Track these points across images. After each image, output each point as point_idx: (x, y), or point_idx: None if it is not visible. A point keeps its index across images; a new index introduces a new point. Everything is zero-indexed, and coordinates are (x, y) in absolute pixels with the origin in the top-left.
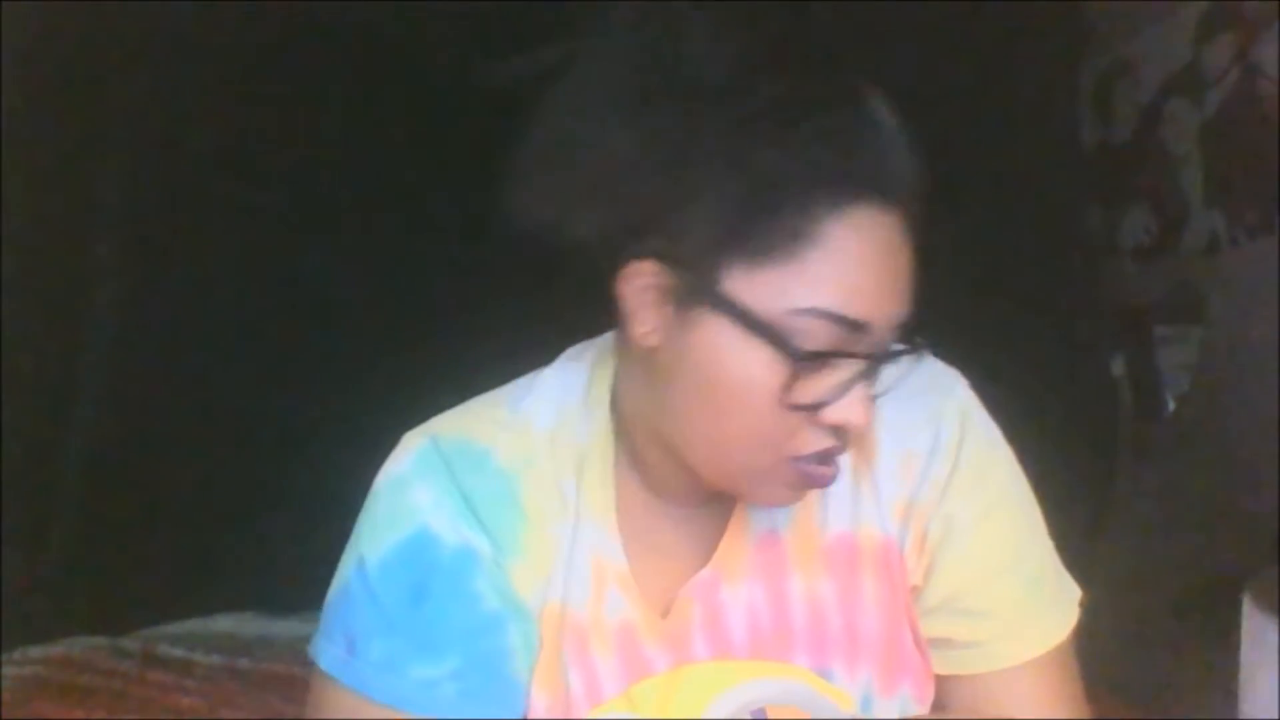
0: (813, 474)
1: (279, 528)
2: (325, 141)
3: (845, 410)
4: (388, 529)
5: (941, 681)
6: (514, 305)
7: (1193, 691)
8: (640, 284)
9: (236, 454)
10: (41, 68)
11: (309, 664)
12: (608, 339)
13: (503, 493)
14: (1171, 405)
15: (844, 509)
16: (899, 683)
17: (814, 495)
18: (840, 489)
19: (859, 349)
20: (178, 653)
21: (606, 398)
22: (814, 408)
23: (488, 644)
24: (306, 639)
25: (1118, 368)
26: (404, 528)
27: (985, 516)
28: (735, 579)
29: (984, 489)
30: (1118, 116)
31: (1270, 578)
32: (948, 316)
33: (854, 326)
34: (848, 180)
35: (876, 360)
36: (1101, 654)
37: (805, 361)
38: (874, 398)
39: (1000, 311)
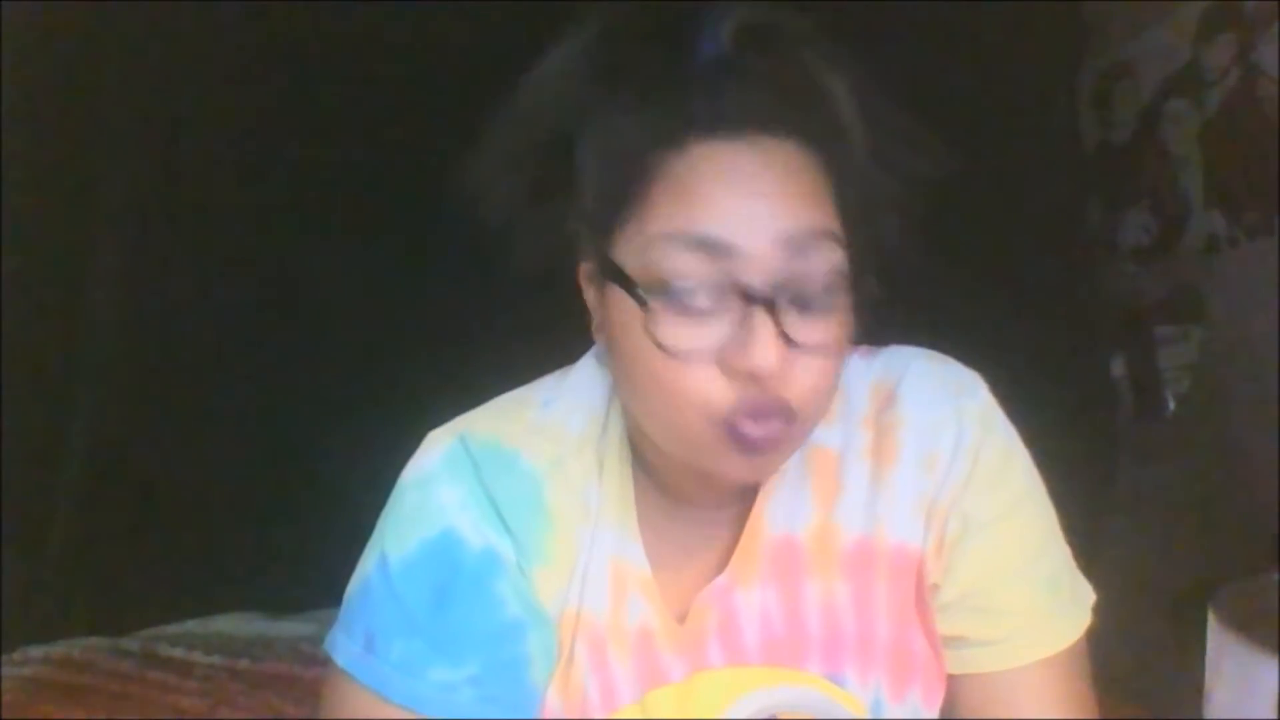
0: (742, 432)
1: (279, 528)
2: (326, 141)
3: (747, 354)
4: (413, 527)
5: (953, 681)
6: (519, 308)
7: (1193, 691)
8: (585, 283)
9: (237, 454)
10: (41, 68)
11: (309, 664)
12: None
13: (529, 496)
14: (1171, 405)
15: (861, 512)
16: (909, 687)
17: (831, 498)
18: (858, 492)
19: (730, 275)
20: (178, 653)
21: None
22: (711, 356)
23: (507, 651)
24: (306, 639)
25: (1118, 368)
26: (429, 527)
27: (1003, 517)
28: (750, 584)
29: (1002, 490)
30: (1118, 117)
31: (1234, 591)
32: (947, 316)
33: (713, 247)
34: (679, 120)
35: (769, 295)
36: (1101, 654)
37: (670, 295)
38: (791, 339)
39: (1000, 311)
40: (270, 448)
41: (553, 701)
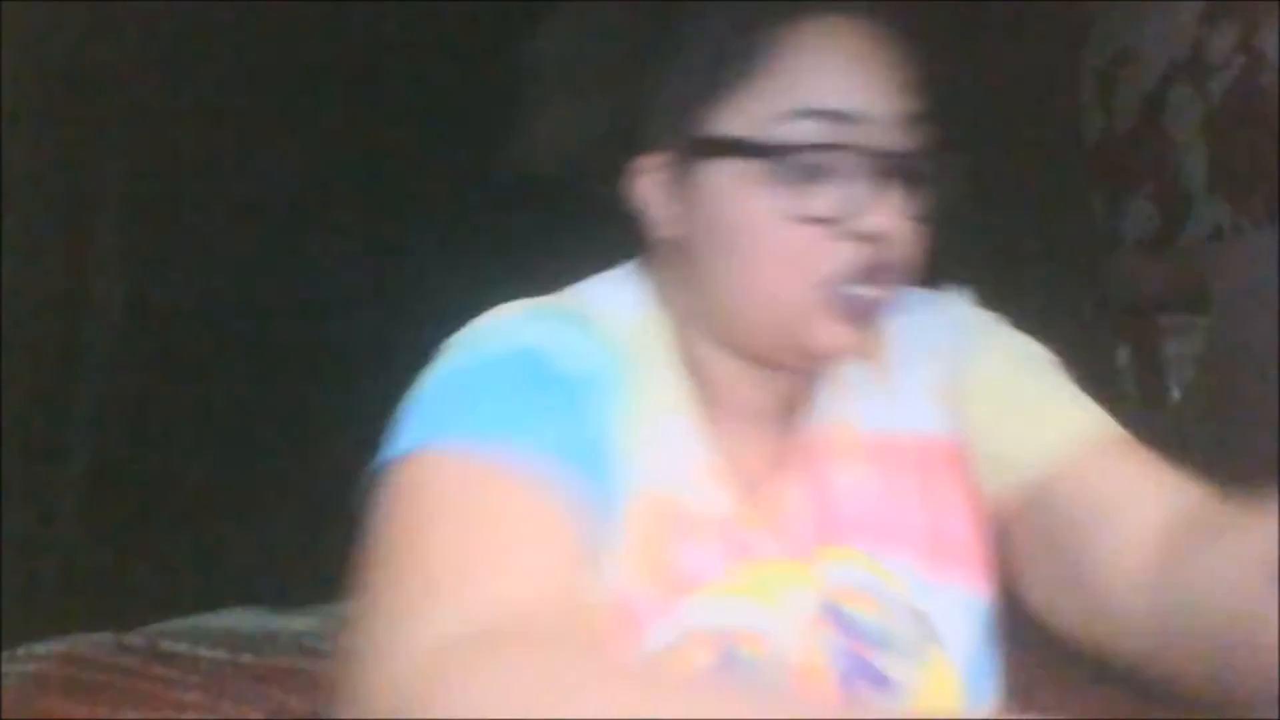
0: (856, 296)
1: (281, 523)
2: (325, 139)
3: (872, 217)
4: (489, 343)
5: (1036, 510)
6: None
7: None
8: (647, 179)
9: (238, 451)
10: (41, 68)
11: (312, 658)
12: (628, 268)
13: (605, 360)
14: (1176, 395)
15: (881, 410)
16: (948, 572)
17: (866, 397)
18: (877, 393)
19: (858, 142)
20: (181, 648)
21: (659, 314)
22: (833, 220)
23: (592, 454)
24: (309, 633)
25: (1122, 359)
26: (511, 344)
27: (1015, 369)
28: (798, 477)
29: (1007, 348)
30: (1121, 105)
31: None
32: None
33: (842, 118)
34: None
35: (890, 158)
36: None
37: (797, 163)
38: (907, 209)
39: (1002, 303)
40: (271, 445)
41: (628, 583)
